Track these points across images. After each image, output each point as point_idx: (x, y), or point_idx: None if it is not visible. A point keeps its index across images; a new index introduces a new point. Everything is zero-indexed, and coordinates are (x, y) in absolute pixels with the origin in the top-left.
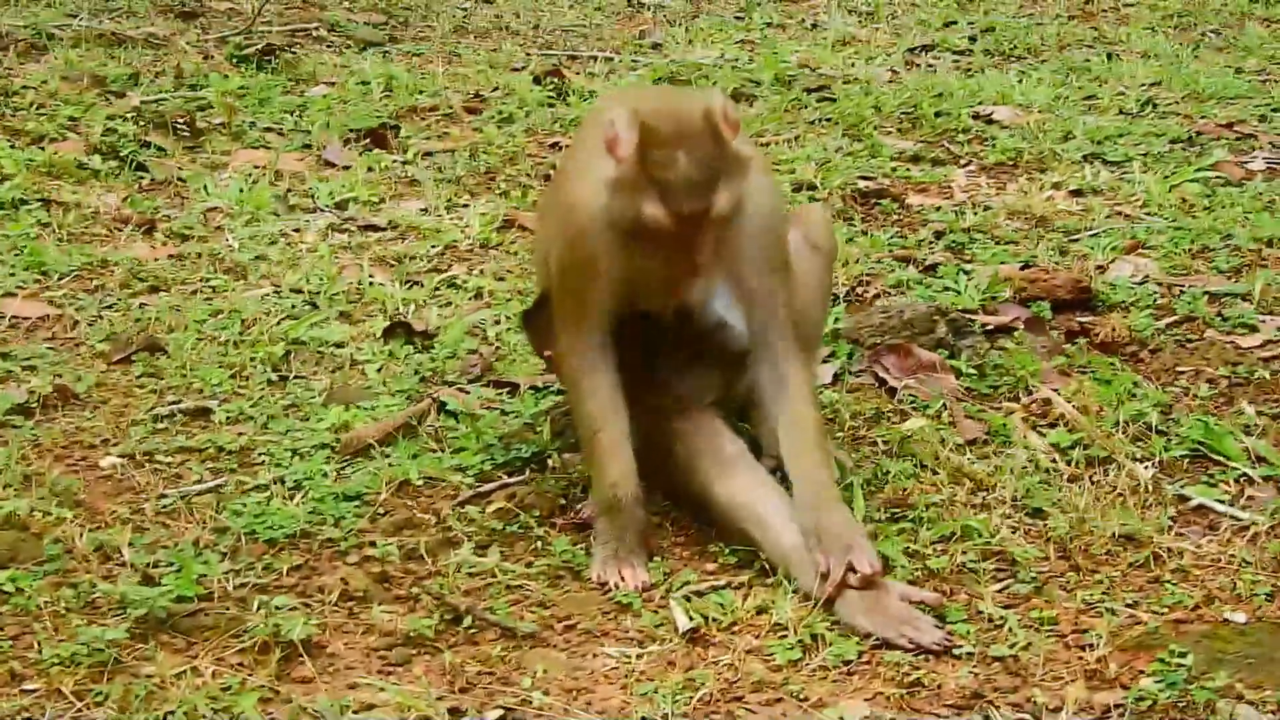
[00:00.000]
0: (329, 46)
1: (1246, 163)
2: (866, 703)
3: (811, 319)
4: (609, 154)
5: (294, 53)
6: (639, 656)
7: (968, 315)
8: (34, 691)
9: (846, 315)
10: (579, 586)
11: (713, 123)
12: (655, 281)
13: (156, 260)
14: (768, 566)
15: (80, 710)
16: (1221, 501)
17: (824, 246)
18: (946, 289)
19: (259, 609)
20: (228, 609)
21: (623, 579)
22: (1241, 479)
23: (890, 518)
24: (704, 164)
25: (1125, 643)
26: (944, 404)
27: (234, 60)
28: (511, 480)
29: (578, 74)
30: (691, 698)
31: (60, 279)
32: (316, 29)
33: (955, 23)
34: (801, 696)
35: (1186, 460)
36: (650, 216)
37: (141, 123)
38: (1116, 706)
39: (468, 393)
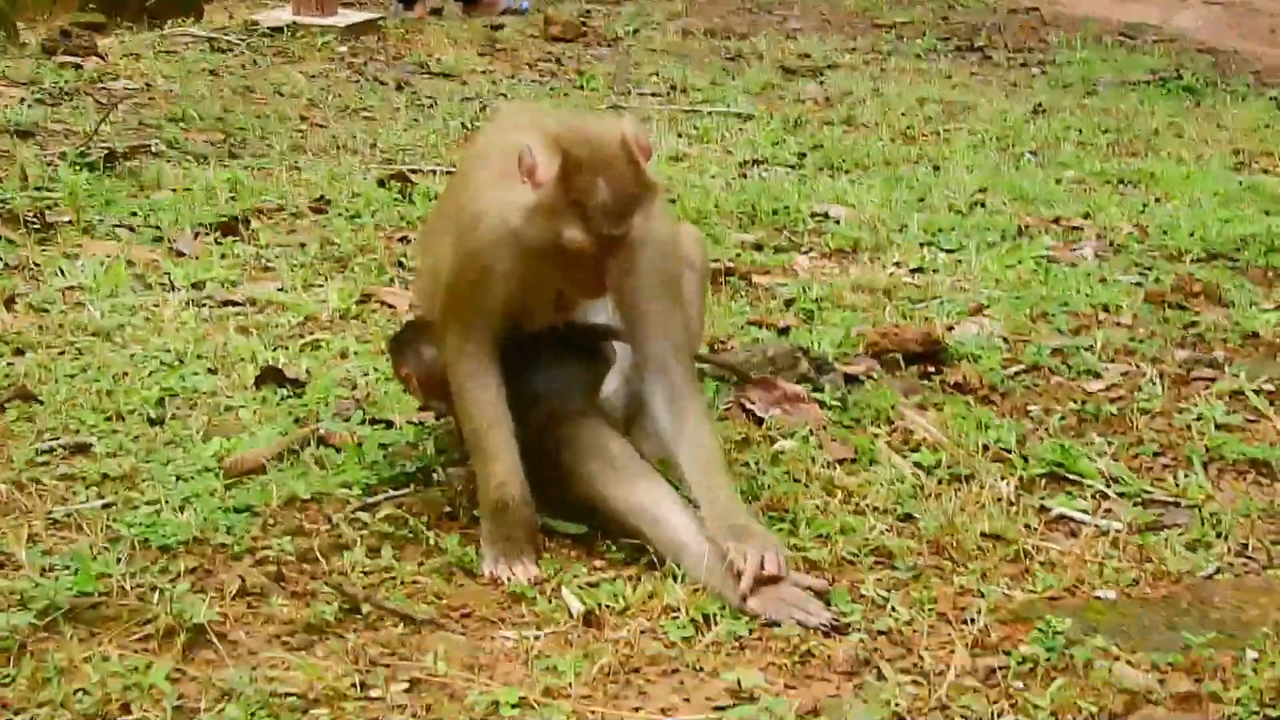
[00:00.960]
0: (169, 161)
1: (1076, 249)
2: (760, 672)
3: (691, 334)
4: (525, 179)
5: (138, 159)
6: (536, 638)
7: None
8: None
9: (711, 356)
10: (472, 581)
11: (629, 149)
12: (552, 300)
13: (19, 329)
14: (656, 560)
15: None
16: (1083, 512)
17: (698, 264)
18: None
19: (159, 601)
20: (128, 602)
21: (514, 574)
22: (1097, 495)
23: (770, 520)
24: (623, 190)
25: (1004, 616)
26: (810, 430)
27: (77, 167)
28: (398, 493)
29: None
30: (591, 669)
31: None
32: (154, 145)
33: (784, 141)
34: (697, 667)
35: (1045, 479)
36: (571, 240)
37: None
38: (1000, 668)
39: (348, 421)
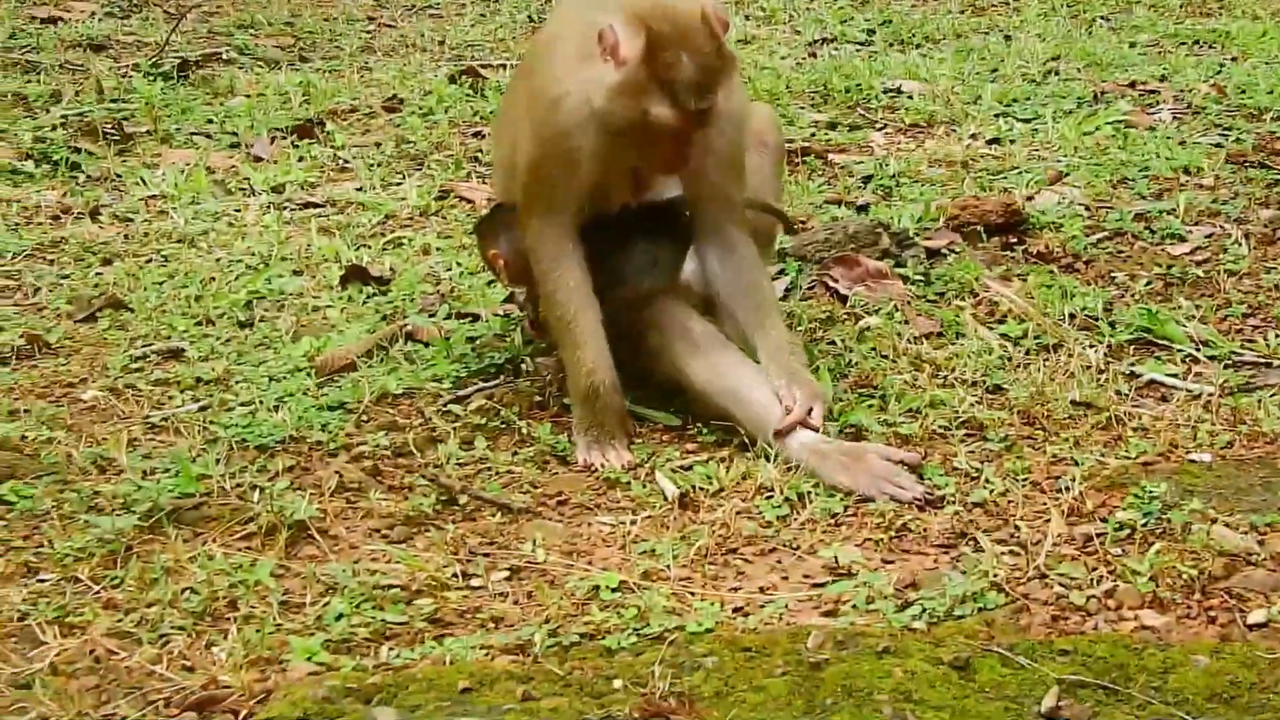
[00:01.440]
0: (240, 67)
1: (1153, 113)
2: (857, 548)
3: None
4: (608, 58)
5: (210, 67)
6: (633, 523)
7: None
8: (49, 580)
9: (790, 238)
10: (566, 469)
11: (709, 23)
12: (629, 179)
13: (105, 239)
14: (748, 440)
15: (99, 592)
16: (1173, 376)
17: (771, 143)
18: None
19: (260, 499)
20: (229, 502)
21: (607, 460)
22: (1187, 359)
23: (859, 397)
24: (707, 64)
25: (1098, 483)
26: (895, 305)
27: (151, 78)
28: (488, 384)
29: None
30: (689, 551)
31: (13, 257)
32: (226, 53)
33: (852, 19)
34: (794, 546)
35: (1133, 345)
36: (659, 117)
37: (70, 131)
38: (1097, 535)
39: (434, 316)
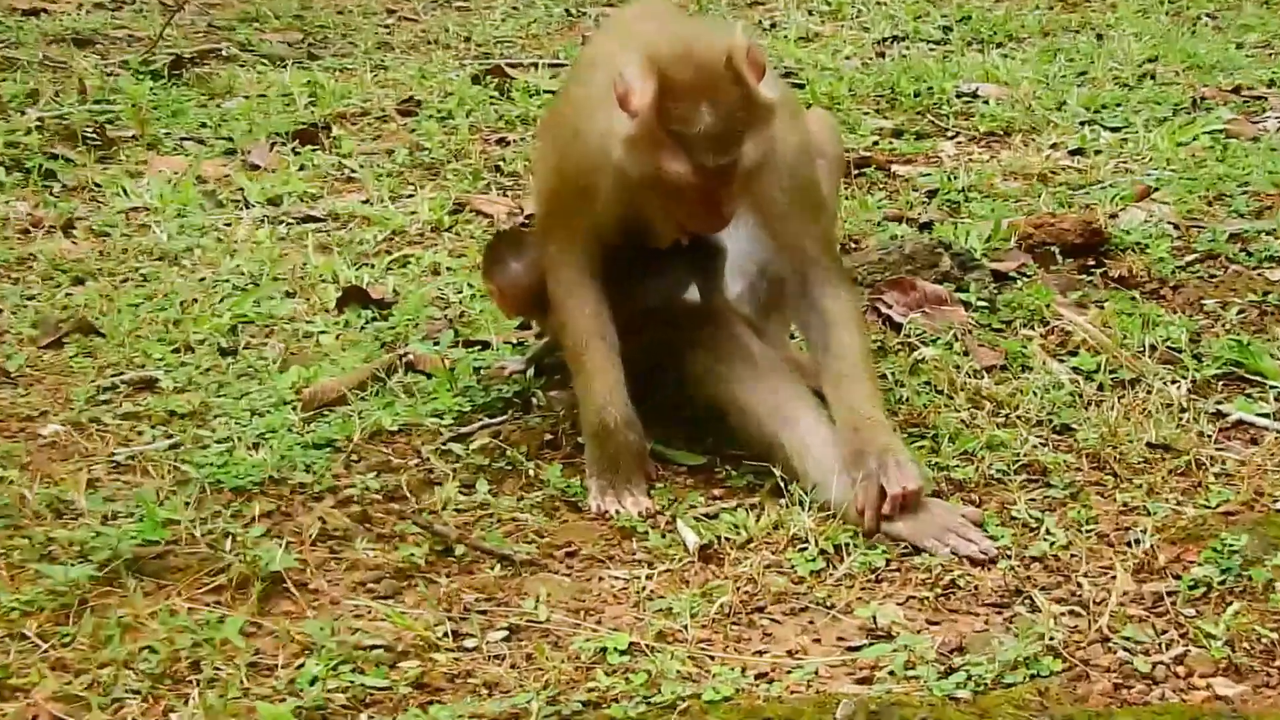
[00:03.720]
0: (241, 65)
1: (1258, 122)
2: (899, 606)
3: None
4: (621, 107)
5: (208, 65)
6: (649, 577)
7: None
8: None
9: (843, 257)
10: (578, 517)
11: (736, 68)
12: (675, 225)
13: (79, 256)
14: (782, 484)
15: (48, 650)
16: (1264, 416)
17: (830, 153)
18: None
19: (232, 548)
20: (198, 551)
21: (622, 506)
22: None
23: (909, 437)
24: (729, 114)
25: (1172, 535)
26: (955, 334)
27: (140, 76)
28: (494, 420)
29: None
30: (710, 609)
31: None
32: (226, 49)
33: (927, 14)
34: (828, 604)
35: (1221, 381)
36: (673, 173)
37: (46, 135)
38: (1169, 594)
39: (438, 343)
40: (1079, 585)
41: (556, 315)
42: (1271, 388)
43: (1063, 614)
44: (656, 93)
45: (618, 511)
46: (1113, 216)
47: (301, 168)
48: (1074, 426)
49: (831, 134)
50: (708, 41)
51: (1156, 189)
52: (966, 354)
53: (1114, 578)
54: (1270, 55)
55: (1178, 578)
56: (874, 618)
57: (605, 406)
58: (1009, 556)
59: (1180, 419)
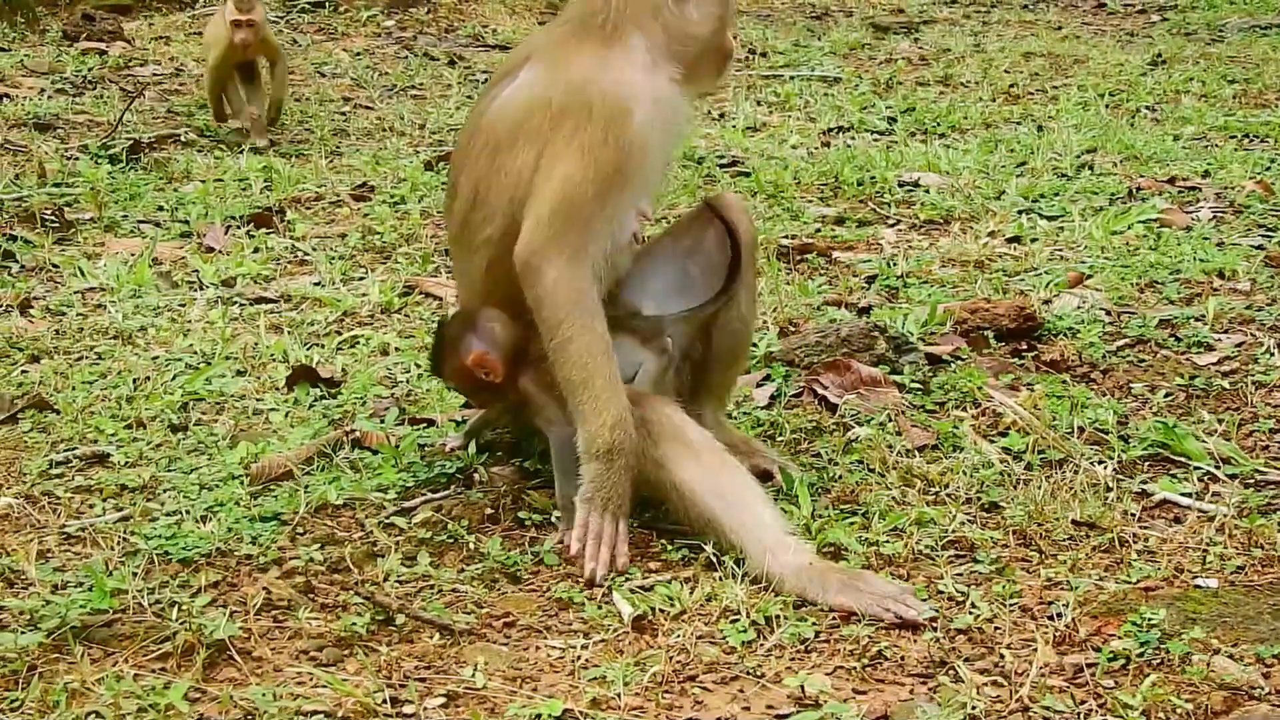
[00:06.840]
0: (199, 150)
1: (1191, 211)
2: (827, 676)
3: None
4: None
5: (165, 149)
6: (584, 646)
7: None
8: None
9: (779, 340)
10: (517, 588)
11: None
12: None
13: (35, 335)
14: (715, 558)
15: None
16: (1187, 495)
17: (743, 232)
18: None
19: (178, 617)
20: (145, 619)
21: (598, 565)
22: (1205, 477)
23: (840, 513)
24: None
25: (1094, 609)
26: (889, 415)
27: (99, 160)
28: (436, 495)
29: None
30: (643, 678)
31: None
32: (184, 134)
33: (873, 106)
34: (759, 674)
35: (1147, 462)
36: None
37: (6, 216)
38: (1088, 665)
39: (383, 420)
40: (1002, 656)
41: (560, 336)
42: (1196, 468)
43: (985, 684)
44: None
45: (593, 570)
46: (1046, 302)
47: (255, 250)
48: (1002, 504)
49: (743, 217)
50: None
51: (1090, 276)
52: (899, 434)
53: (1036, 649)
54: (1206, 147)
55: (1097, 650)
56: (802, 687)
57: (617, 425)
58: (934, 629)
59: (1106, 498)
